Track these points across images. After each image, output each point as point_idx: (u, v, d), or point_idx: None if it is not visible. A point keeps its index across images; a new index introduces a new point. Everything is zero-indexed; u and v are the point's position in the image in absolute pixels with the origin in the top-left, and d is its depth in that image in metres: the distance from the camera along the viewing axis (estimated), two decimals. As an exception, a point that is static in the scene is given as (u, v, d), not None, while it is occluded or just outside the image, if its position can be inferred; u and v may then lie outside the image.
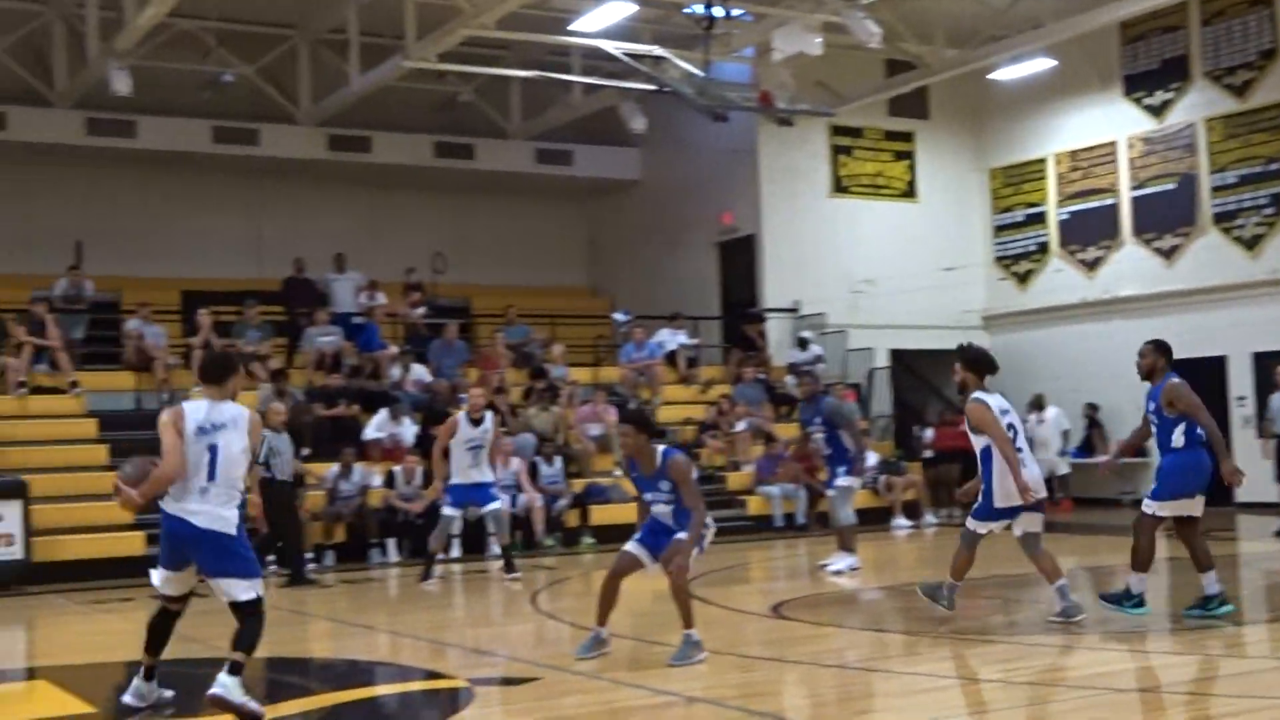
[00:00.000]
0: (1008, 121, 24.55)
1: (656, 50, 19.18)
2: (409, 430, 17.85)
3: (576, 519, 17.83)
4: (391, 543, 16.42)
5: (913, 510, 19.64)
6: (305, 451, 17.37)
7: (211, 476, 7.07)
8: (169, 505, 7.07)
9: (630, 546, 8.92)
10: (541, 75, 21.42)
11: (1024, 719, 7.00)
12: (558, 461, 18.07)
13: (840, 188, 23.97)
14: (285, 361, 19.60)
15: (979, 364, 9.96)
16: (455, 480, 13.66)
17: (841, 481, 13.80)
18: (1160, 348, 9.90)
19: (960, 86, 24.07)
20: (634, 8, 18.23)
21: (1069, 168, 23.60)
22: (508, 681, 8.24)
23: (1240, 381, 20.88)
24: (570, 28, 18.97)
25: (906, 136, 24.54)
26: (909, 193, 24.57)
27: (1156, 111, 22.22)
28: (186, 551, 7.12)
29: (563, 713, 7.41)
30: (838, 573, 13.48)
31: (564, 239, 27.22)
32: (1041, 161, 24.04)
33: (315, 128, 22.98)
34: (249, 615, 7.06)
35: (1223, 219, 21.21)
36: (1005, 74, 22.68)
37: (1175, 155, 21.90)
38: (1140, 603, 9.58)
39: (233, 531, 7.10)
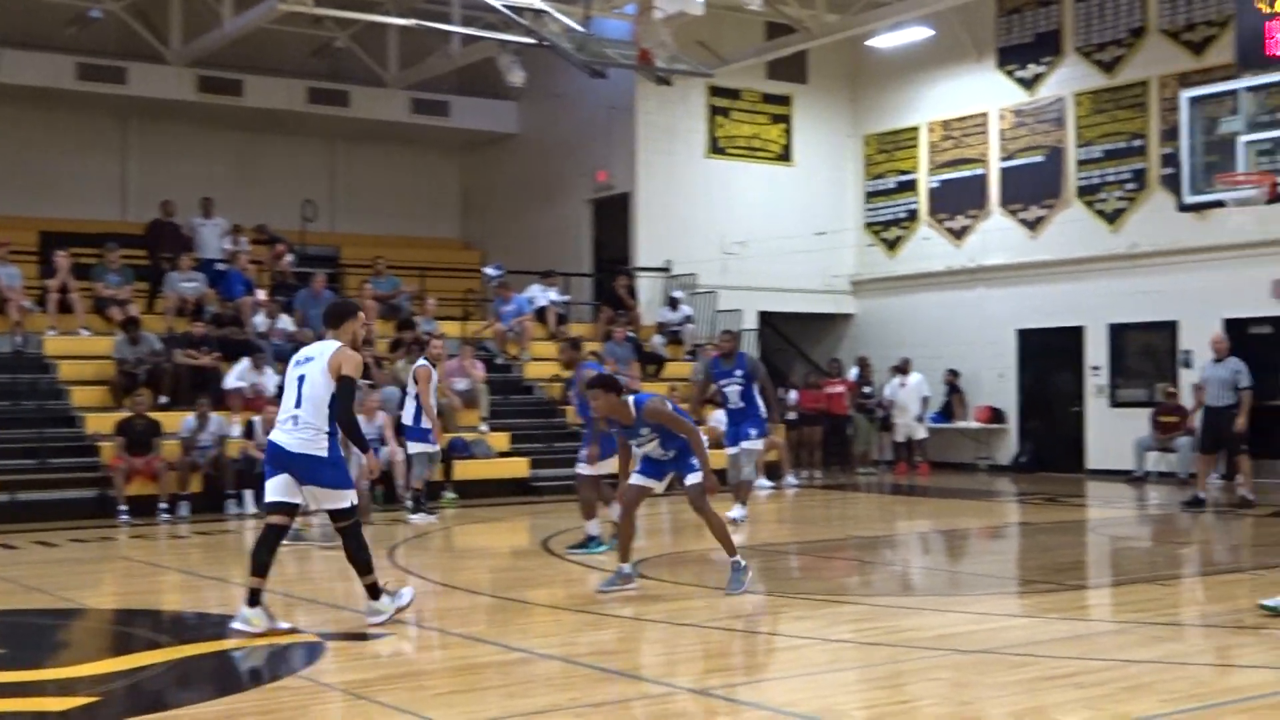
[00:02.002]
0: (883, 89, 24.80)
1: (537, 3, 18.96)
2: (271, 380, 17.54)
3: (440, 474, 17.69)
4: (249, 494, 16.15)
5: (774, 471, 19.85)
6: (163, 399, 17.08)
7: (298, 404, 7.96)
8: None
9: (634, 479, 9.70)
10: (420, 24, 21.08)
11: (872, 678, 7.12)
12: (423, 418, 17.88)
13: (716, 149, 24.04)
14: (146, 307, 19.18)
15: None
16: None
17: (751, 444, 14.24)
18: None
19: (839, 52, 24.27)
20: (514, -42, 18.01)
21: (941, 137, 23.93)
22: (360, 636, 8.17)
23: (1096, 351, 21.45)
24: (449, -24, 18.71)
25: (784, 100, 24.67)
26: (784, 156, 24.73)
27: (1028, 84, 22.61)
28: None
29: (412, 668, 7.38)
30: (734, 521, 13.75)
31: (438, 191, 26.99)
32: (914, 130, 24.34)
33: (185, 68, 22.44)
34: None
35: (1086, 192, 21.69)
36: (883, 41, 22.93)
37: (1044, 128, 22.32)
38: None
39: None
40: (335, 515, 8.18)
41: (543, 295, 22.13)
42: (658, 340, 22.33)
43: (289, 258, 21.37)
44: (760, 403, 14.27)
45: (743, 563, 9.54)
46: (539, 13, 18.74)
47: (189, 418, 16.25)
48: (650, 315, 22.99)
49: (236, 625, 8.07)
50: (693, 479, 9.53)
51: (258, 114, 23.74)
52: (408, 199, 26.25)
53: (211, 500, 16.09)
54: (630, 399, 9.47)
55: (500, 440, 18.64)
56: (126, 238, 20.37)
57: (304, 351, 8.28)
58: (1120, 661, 7.23)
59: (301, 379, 8.02)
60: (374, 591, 8.32)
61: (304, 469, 8.00)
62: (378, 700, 6.49)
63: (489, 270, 22.71)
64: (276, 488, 8.11)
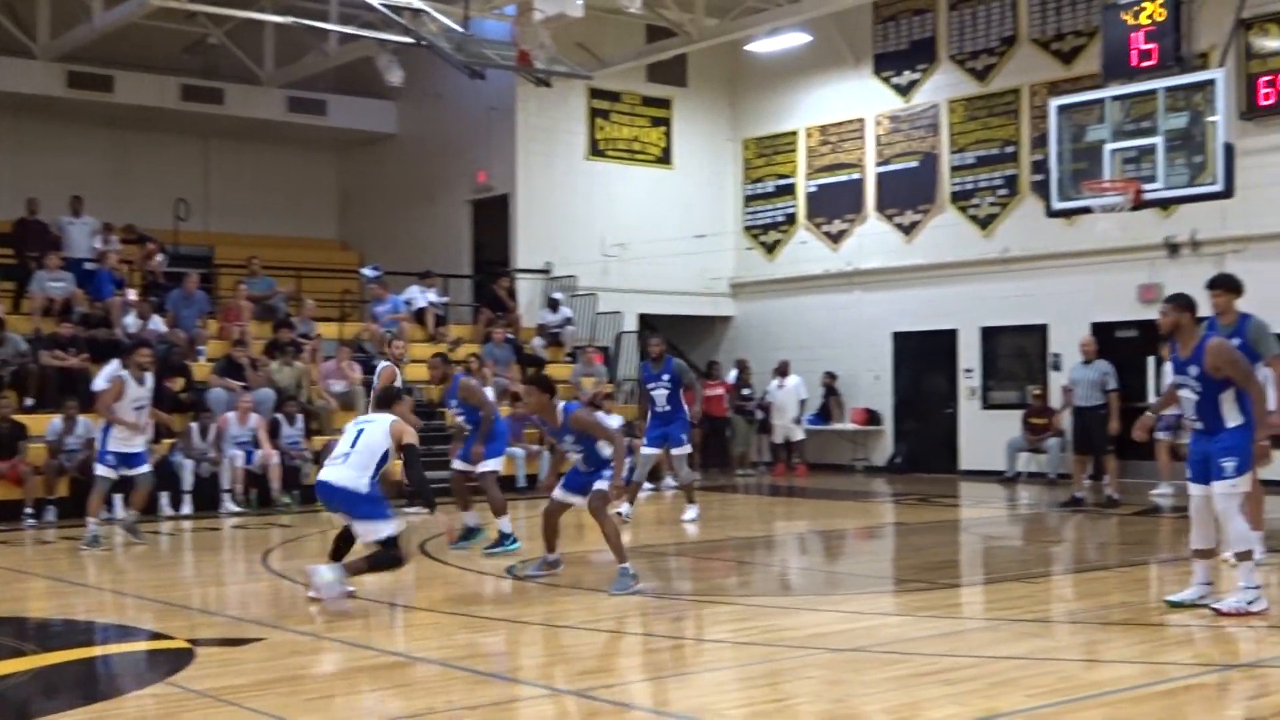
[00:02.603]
0: (762, 93, 25.03)
1: (416, 3, 18.82)
2: (146, 380, 17.17)
3: (316, 476, 17.45)
4: (119, 499, 15.79)
5: (654, 473, 19.87)
6: (29, 402, 16.64)
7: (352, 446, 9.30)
8: None
9: (557, 493, 10.13)
10: (296, 22, 20.79)
11: (747, 677, 7.18)
12: (299, 420, 17.68)
13: (596, 151, 24.07)
14: (11, 307, 18.67)
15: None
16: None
17: (682, 450, 14.83)
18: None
19: (718, 56, 24.45)
20: (392, -44, 17.86)
21: (819, 141, 24.21)
22: (231, 642, 8.04)
23: (969, 354, 21.86)
24: (326, -27, 18.50)
25: (664, 103, 24.78)
26: (664, 159, 24.84)
27: (903, 91, 22.97)
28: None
29: (284, 673, 7.27)
30: (690, 521, 14.59)
31: (315, 190, 26.66)
32: (793, 134, 24.60)
33: (53, 63, 21.86)
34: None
35: (960, 198, 22.10)
36: (762, 46, 23.16)
37: (919, 134, 22.69)
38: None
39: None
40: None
41: (421, 296, 21.96)
42: (537, 342, 22.28)
43: (160, 257, 20.94)
44: (685, 406, 14.84)
45: (632, 570, 9.65)
46: (418, 12, 18.60)
47: (55, 420, 15.86)
48: (530, 317, 22.94)
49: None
50: (599, 484, 9.71)
51: (129, 111, 23.22)
52: (284, 199, 25.89)
53: (79, 505, 15.65)
54: (561, 404, 9.75)
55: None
56: (-10, 235, 19.86)
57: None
58: (989, 658, 7.37)
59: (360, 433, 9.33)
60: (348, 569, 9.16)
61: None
62: (248, 706, 6.39)
63: (366, 271, 22.47)
64: None
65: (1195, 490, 8.59)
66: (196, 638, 8.17)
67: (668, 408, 14.74)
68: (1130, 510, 15.29)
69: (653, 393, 14.83)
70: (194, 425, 16.73)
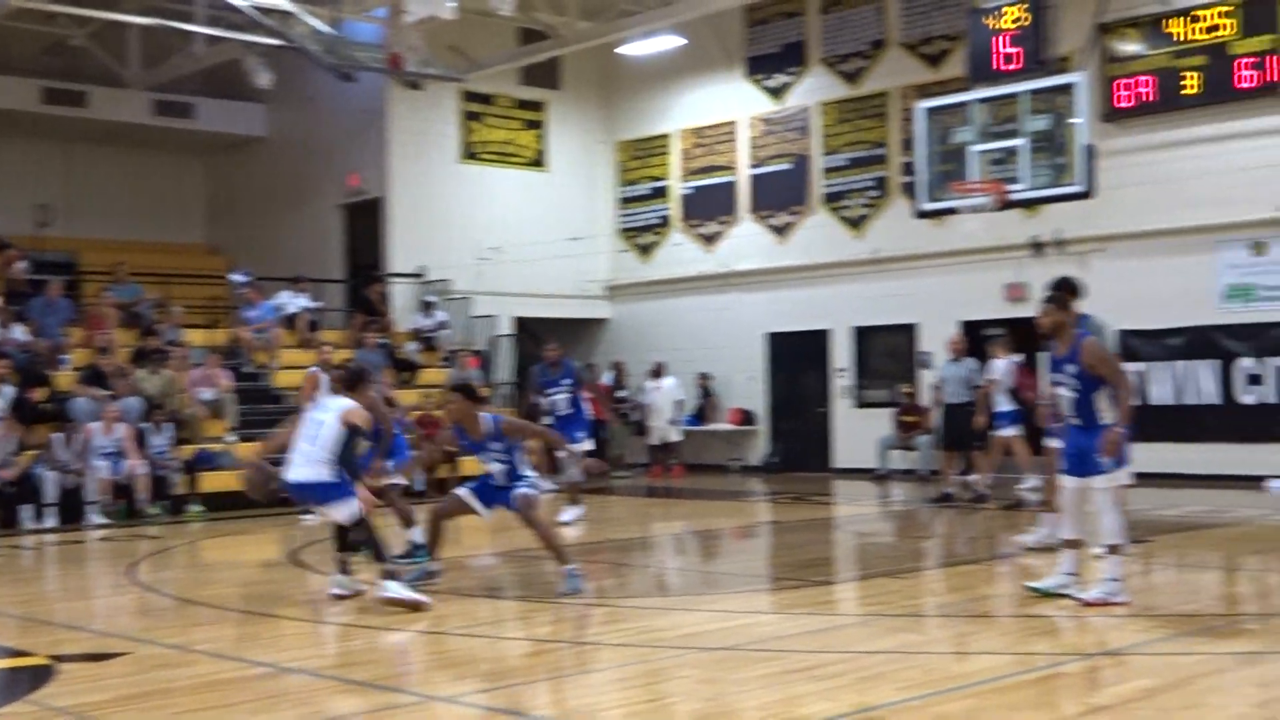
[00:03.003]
0: (636, 96, 25.11)
1: (284, 4, 18.57)
2: (4, 392, 16.71)
3: (186, 486, 17.14)
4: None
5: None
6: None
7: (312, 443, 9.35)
8: None
9: (461, 490, 9.95)
10: (161, 23, 20.39)
11: (622, 678, 7.18)
12: (168, 429, 17.31)
13: (470, 154, 23.93)
14: None
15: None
16: None
17: (581, 446, 14.85)
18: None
19: (592, 59, 24.47)
20: (259, -43, 17.60)
21: (693, 144, 24.35)
22: (94, 657, 7.83)
23: (841, 354, 22.15)
24: (191, -27, 18.16)
25: (537, 106, 24.72)
26: (538, 162, 24.79)
27: (775, 94, 23.20)
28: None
29: (149, 687, 7.10)
30: (568, 523, 14.42)
31: (183, 195, 26.14)
32: (666, 137, 24.72)
33: (-98, 63, 21.21)
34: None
35: (832, 199, 22.38)
36: (635, 49, 23.23)
37: (791, 137, 22.94)
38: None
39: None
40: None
41: (292, 302, 21.64)
42: (411, 347, 22.08)
43: (22, 264, 20.34)
44: (584, 408, 15.08)
45: (576, 571, 9.66)
46: (286, 14, 18.37)
47: (-89, 434, 15.38)
48: (404, 322, 22.73)
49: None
50: (523, 490, 9.68)
51: (-14, 114, 22.60)
52: (150, 203, 25.33)
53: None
54: (488, 416, 9.72)
55: (248, 451, 18.09)
56: None
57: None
58: (860, 653, 7.46)
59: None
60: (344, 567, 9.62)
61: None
62: (111, 723, 6.23)
63: (236, 276, 22.09)
64: None
65: (1070, 483, 8.81)
66: (58, 654, 7.95)
67: (569, 410, 14.87)
68: (1000, 505, 15.60)
69: (553, 397, 14.93)
70: (58, 436, 16.29)
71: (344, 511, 9.38)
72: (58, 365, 18.18)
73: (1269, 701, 6.15)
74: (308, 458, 9.33)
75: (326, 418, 9.48)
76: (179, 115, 24.08)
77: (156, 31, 21.21)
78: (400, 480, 11.99)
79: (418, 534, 11.45)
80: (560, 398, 14.92)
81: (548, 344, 15.90)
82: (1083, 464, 8.66)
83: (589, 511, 15.29)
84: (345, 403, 9.63)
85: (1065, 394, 8.74)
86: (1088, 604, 8.52)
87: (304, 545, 12.90)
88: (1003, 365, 15.24)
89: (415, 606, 8.94)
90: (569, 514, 14.76)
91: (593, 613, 9.27)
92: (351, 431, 9.42)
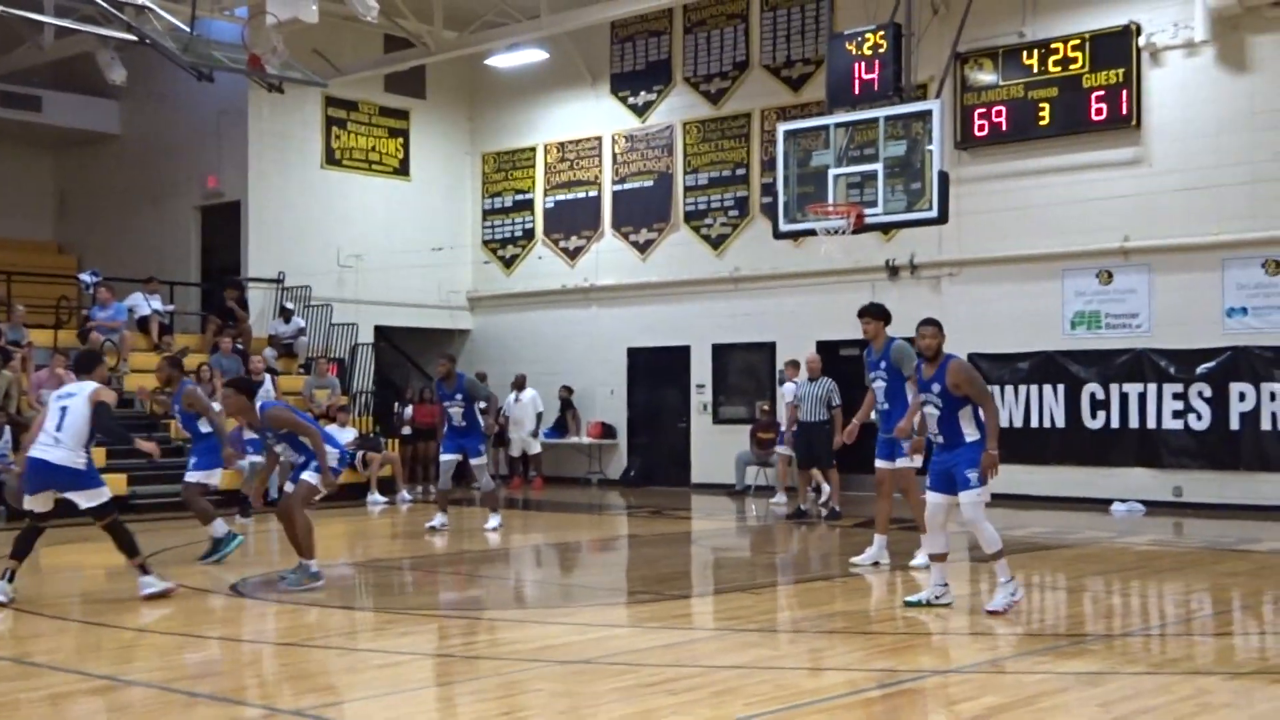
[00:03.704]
0: (502, 108, 25.03)
1: (140, -1, 18.14)
2: None
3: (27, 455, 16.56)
4: None
5: (387, 486, 19.65)
6: None
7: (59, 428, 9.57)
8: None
9: (288, 487, 10.51)
10: (7, 11, 19.73)
11: (475, 690, 7.12)
12: (7, 431, 16.74)
13: (333, 160, 23.64)
14: None
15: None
16: None
17: (481, 460, 15.24)
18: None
19: (458, 69, 24.37)
20: (116, -51, 17.18)
21: (557, 158, 24.35)
22: (-75, 668, 7.53)
23: (701, 370, 22.31)
24: (43, -37, 17.65)
25: (402, 114, 24.52)
26: (402, 170, 24.58)
27: (640, 111, 23.31)
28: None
29: (-15, 700, 6.85)
30: (494, 529, 15.11)
31: (29, 190, 25.40)
32: (532, 150, 24.68)
33: None
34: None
35: (693, 218, 22.54)
36: (500, 61, 23.17)
37: (655, 154, 23.06)
38: None
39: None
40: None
41: (145, 304, 21.15)
42: (269, 353, 21.68)
43: None
44: (480, 420, 15.32)
45: (314, 568, 10.18)
46: (141, 8, 17.91)
47: None
48: (261, 327, 22.31)
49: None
50: (307, 476, 10.17)
51: None
52: (-6, 199, 24.58)
53: None
54: (259, 404, 10.34)
55: (97, 455, 17.57)
56: None
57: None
58: (713, 667, 7.49)
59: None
60: (144, 570, 9.86)
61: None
62: (-58, 736, 6.00)
63: (85, 276, 21.53)
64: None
65: (935, 499, 9.16)
66: (-114, 664, 7.63)
67: (463, 423, 15.09)
68: (852, 522, 15.81)
69: (448, 409, 15.11)
70: (-110, 437, 15.67)
71: (91, 499, 9.64)
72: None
73: None
74: (56, 442, 9.56)
75: (73, 402, 9.68)
76: (26, 108, 23.39)
77: (3, 20, 20.57)
78: (204, 480, 12.43)
79: (219, 526, 12.07)
80: (455, 410, 15.08)
81: (440, 359, 15.90)
82: (948, 481, 8.94)
83: (448, 524, 15.16)
84: (90, 385, 9.88)
85: (930, 413, 9.02)
86: (997, 613, 8.94)
87: (155, 552, 12.55)
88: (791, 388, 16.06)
89: (165, 594, 9.78)
90: (491, 521, 15.20)
91: (447, 625, 9.18)
92: (96, 410, 9.64)
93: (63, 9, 19.89)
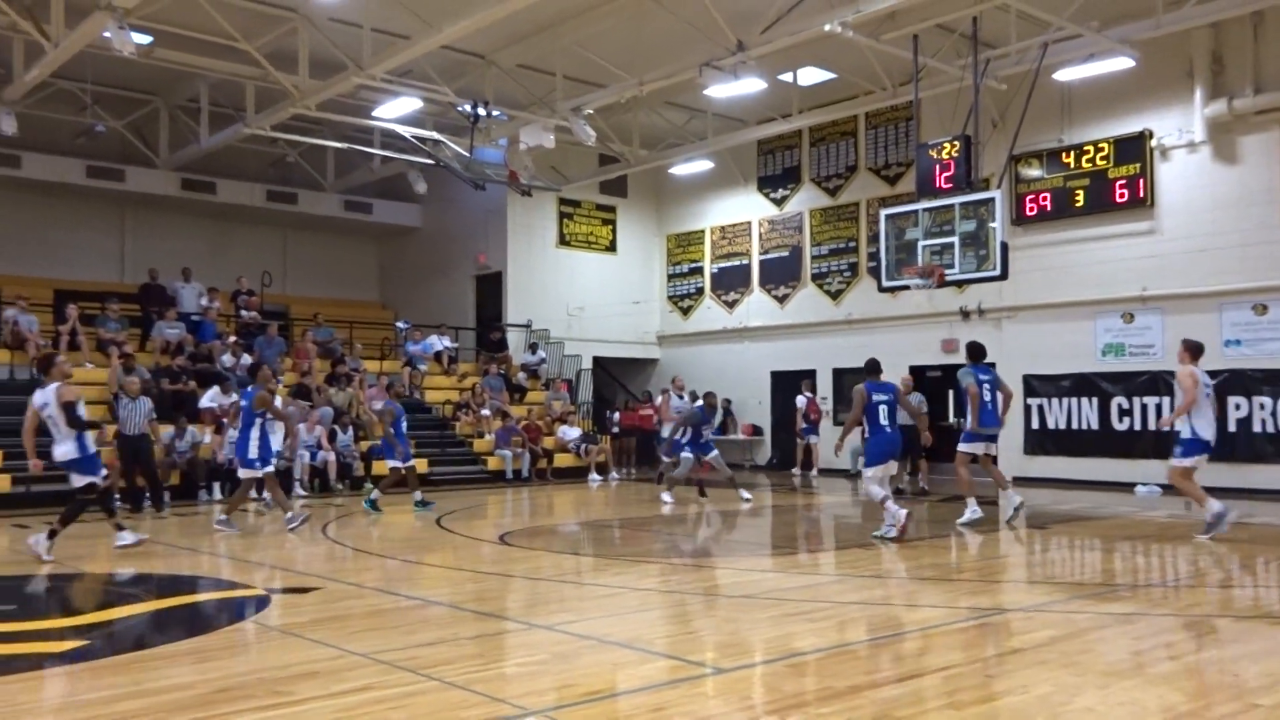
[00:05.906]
0: (680, 203, 25.11)
1: (435, 135, 18.77)
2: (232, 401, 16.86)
3: (362, 470, 17.22)
4: (217, 485, 15.48)
5: (602, 469, 19.83)
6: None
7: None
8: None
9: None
10: (350, 146, 20.67)
11: (666, 615, 7.09)
12: (351, 429, 17.42)
13: (564, 241, 24.01)
14: (138, 347, 18.30)
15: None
16: None
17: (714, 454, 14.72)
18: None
19: (650, 176, 24.53)
20: (420, 103, 17.79)
21: (719, 237, 24.30)
22: (298, 590, 7.84)
23: (824, 386, 21.93)
24: (373, 114, 18.38)
25: (611, 209, 24.78)
26: (611, 248, 24.82)
27: (778, 202, 23.13)
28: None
29: (337, 614, 7.08)
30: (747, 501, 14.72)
31: (361, 267, 26.40)
32: (702, 231, 24.68)
33: (171, 171, 21.53)
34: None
35: (818, 278, 22.24)
36: (679, 170, 23.24)
37: (789, 232, 22.84)
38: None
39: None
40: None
41: (439, 342, 21.79)
42: (521, 376, 22.14)
43: (253, 312, 20.61)
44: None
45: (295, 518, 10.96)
46: (437, 142, 18.57)
47: (169, 430, 15.51)
48: (516, 358, 22.79)
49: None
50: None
51: (227, 207, 22.89)
52: (339, 272, 25.61)
53: (187, 491, 15.37)
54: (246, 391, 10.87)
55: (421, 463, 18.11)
56: (123, 295, 19.45)
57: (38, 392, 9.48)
58: (839, 604, 7.28)
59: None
60: (52, 534, 9.40)
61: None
62: (308, 637, 6.22)
63: (399, 324, 22.28)
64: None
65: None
66: (271, 587, 7.96)
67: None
68: (937, 497, 15.32)
69: (700, 428, 14.53)
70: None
71: (80, 479, 9.33)
72: (275, 384, 18.30)
73: (1140, 651, 6.00)
74: (58, 441, 9.23)
75: (49, 406, 9.23)
76: (360, 211, 24.33)
77: (346, 152, 21.51)
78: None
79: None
80: (706, 429, 14.67)
81: (707, 394, 15.45)
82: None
83: (644, 496, 15.12)
84: (52, 387, 9.30)
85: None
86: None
87: (442, 515, 12.86)
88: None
89: (138, 543, 9.82)
90: (667, 501, 14.44)
91: (645, 568, 9.14)
92: (68, 407, 9.15)
93: (385, 143, 20.71)
